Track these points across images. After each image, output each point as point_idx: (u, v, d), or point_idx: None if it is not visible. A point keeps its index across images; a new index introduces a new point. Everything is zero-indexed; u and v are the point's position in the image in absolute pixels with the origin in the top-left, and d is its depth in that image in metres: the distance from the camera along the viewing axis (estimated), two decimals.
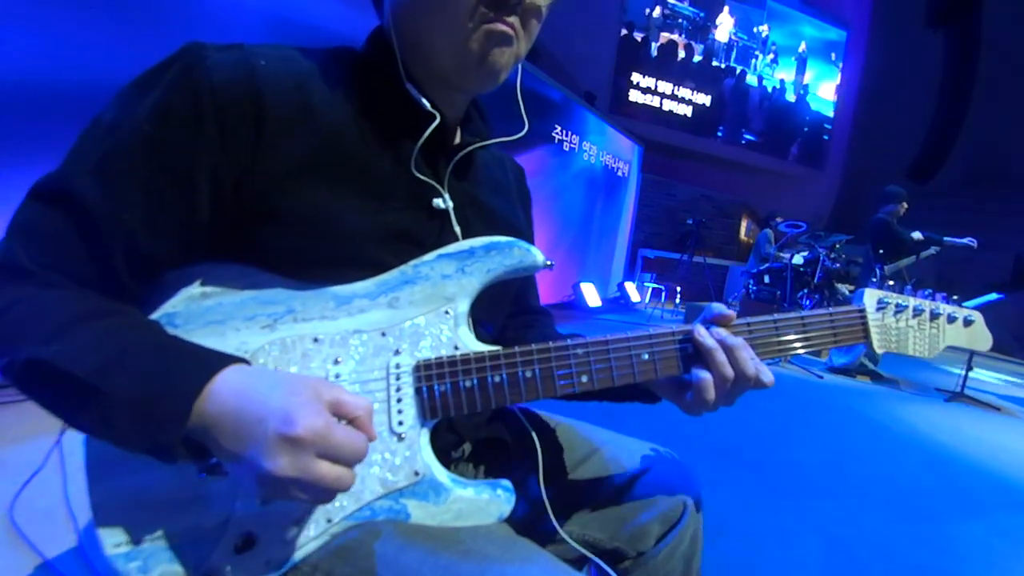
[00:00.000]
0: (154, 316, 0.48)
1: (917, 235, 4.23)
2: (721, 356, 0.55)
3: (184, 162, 0.46)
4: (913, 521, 1.91)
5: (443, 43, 0.52)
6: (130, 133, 0.45)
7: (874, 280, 0.69)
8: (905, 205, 4.37)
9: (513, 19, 0.52)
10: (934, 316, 0.68)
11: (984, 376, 5.62)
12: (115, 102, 0.47)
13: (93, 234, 0.44)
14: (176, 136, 0.45)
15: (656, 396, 0.65)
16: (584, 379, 0.55)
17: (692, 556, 0.69)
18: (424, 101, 0.55)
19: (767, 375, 0.56)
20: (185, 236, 0.48)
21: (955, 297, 0.70)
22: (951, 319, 0.68)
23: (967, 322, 0.69)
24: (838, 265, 5.16)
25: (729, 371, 0.55)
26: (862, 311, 0.65)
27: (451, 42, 0.52)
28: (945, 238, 4.26)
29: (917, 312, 0.67)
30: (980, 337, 0.69)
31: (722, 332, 0.57)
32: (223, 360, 0.43)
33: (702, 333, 0.56)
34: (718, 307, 0.59)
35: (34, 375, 0.41)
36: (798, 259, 5.40)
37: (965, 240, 4.30)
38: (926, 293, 0.69)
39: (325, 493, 0.41)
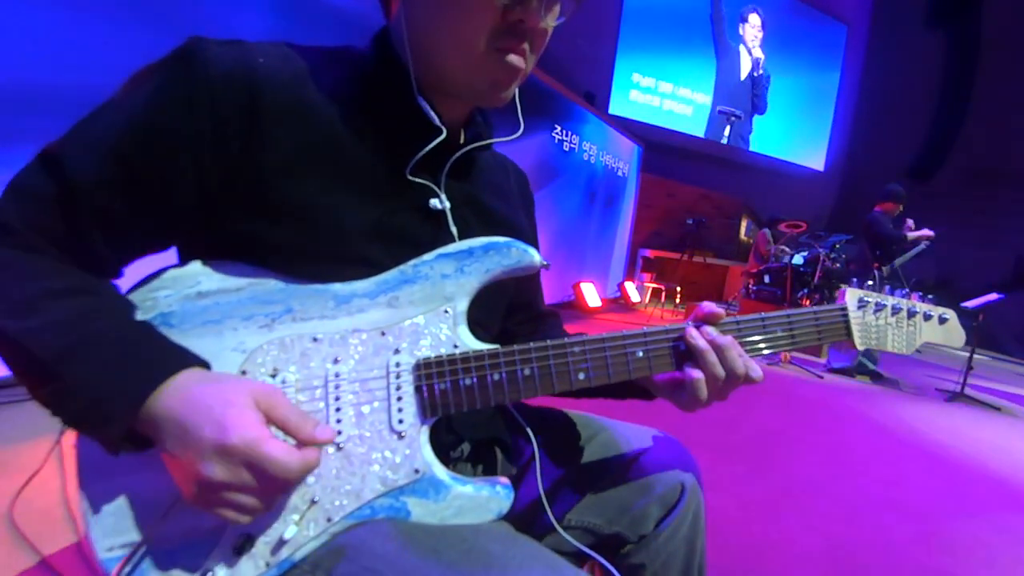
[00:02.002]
0: (149, 317, 0.48)
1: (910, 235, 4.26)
2: (712, 356, 0.57)
3: (173, 150, 0.47)
4: (913, 521, 1.91)
5: (456, 67, 0.53)
6: (125, 113, 0.47)
7: (870, 283, 0.72)
8: (900, 207, 4.39)
9: (524, 45, 0.53)
10: (911, 314, 0.72)
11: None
12: (124, 84, 0.50)
13: (73, 206, 0.46)
14: (168, 124, 0.46)
15: (651, 394, 0.66)
16: (581, 376, 0.55)
17: (695, 537, 0.69)
18: (435, 116, 0.55)
19: (756, 371, 0.58)
20: (167, 220, 0.50)
21: (930, 296, 0.74)
22: (927, 317, 0.73)
23: (942, 320, 0.73)
24: (838, 265, 5.17)
25: (720, 370, 0.57)
26: (844, 310, 0.69)
27: (464, 67, 0.53)
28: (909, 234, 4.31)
29: (896, 311, 0.71)
30: (954, 334, 0.73)
31: (712, 332, 0.58)
32: (178, 363, 0.44)
33: (693, 334, 0.58)
34: (708, 305, 0.61)
35: (1, 344, 0.43)
36: (798, 259, 5.41)
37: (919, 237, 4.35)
38: (904, 292, 0.73)
39: (254, 505, 0.42)
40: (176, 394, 0.42)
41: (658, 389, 0.63)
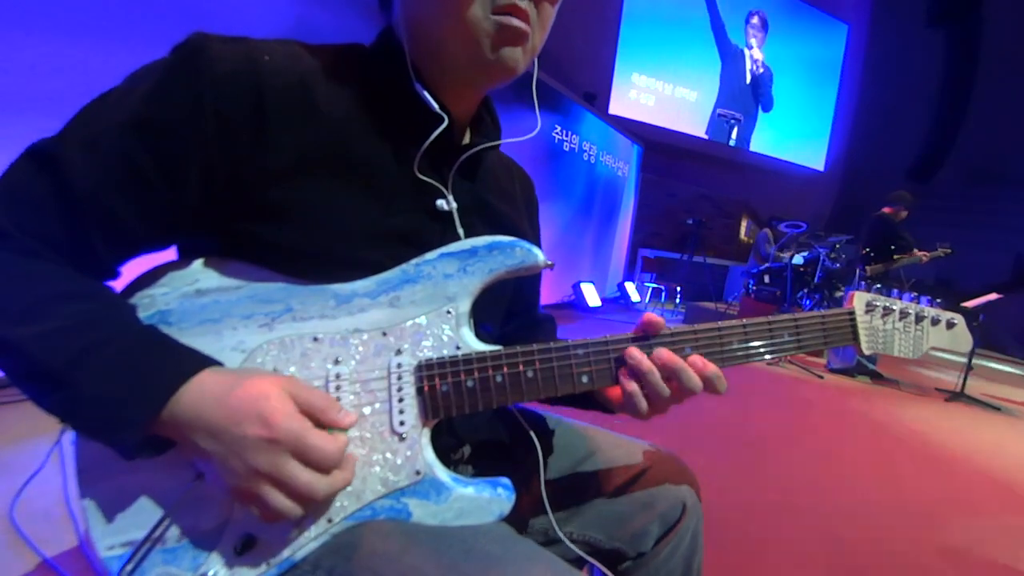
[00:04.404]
0: (147, 314, 0.48)
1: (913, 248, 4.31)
2: (655, 376, 0.54)
3: (175, 147, 0.46)
4: (913, 521, 1.91)
5: (454, 38, 0.51)
6: (126, 112, 0.45)
7: (861, 281, 0.71)
8: (905, 212, 4.42)
9: (526, 5, 0.51)
10: (919, 319, 0.71)
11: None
12: (123, 82, 0.48)
13: (72, 206, 0.44)
14: (170, 121, 0.45)
15: (610, 409, 0.63)
16: (585, 379, 0.55)
17: (692, 556, 0.69)
18: (432, 102, 0.54)
19: (696, 383, 0.55)
20: (169, 219, 0.48)
21: (938, 300, 0.73)
22: (935, 322, 0.71)
23: (949, 325, 0.72)
24: (838, 265, 5.17)
25: (663, 390, 0.55)
26: (851, 314, 0.67)
27: (462, 37, 0.51)
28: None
29: (903, 315, 0.70)
30: (961, 339, 0.72)
31: (665, 356, 0.55)
32: (195, 364, 0.44)
33: (635, 354, 0.54)
34: (650, 316, 0.57)
35: (1, 353, 0.41)
36: (798, 259, 5.41)
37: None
38: (911, 296, 0.72)
39: (298, 496, 0.42)
40: (201, 395, 0.42)
41: (613, 403, 0.61)
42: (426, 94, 0.54)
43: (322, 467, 0.43)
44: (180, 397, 0.42)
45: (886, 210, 4.48)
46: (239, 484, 0.42)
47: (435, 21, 0.52)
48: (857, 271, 4.30)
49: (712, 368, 0.56)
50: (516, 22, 0.51)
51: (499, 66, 0.53)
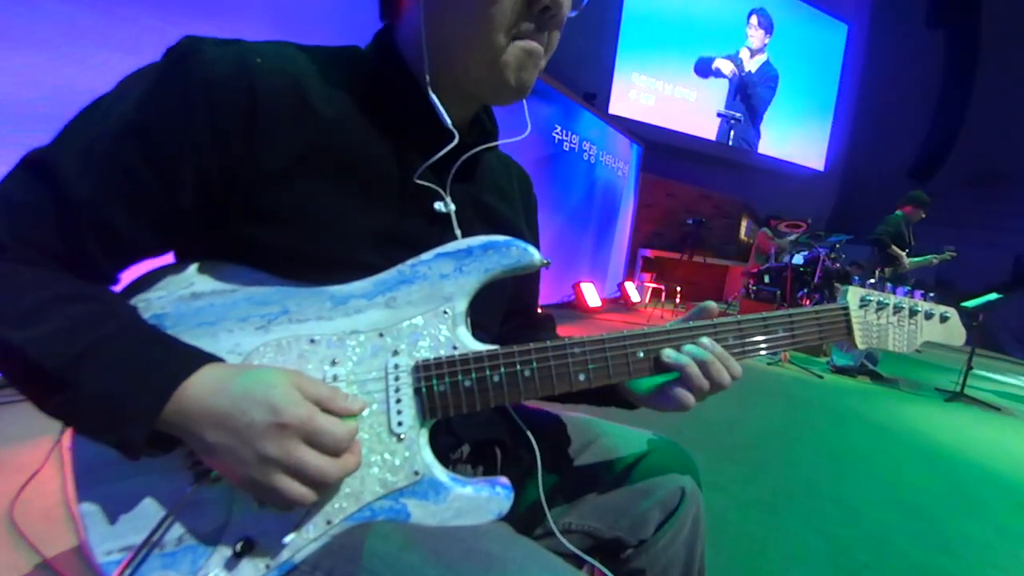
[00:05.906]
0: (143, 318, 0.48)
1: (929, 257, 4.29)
2: (695, 369, 0.57)
3: (169, 151, 0.46)
4: (913, 521, 1.91)
5: (478, 59, 0.52)
6: (120, 118, 0.45)
7: (872, 281, 0.71)
8: (923, 213, 4.39)
9: (543, 33, 0.53)
10: (913, 313, 0.71)
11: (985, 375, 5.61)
12: (115, 88, 0.48)
13: (70, 214, 0.44)
14: (163, 125, 0.45)
15: (633, 404, 0.65)
16: (582, 377, 0.55)
17: (694, 542, 0.69)
18: (446, 118, 0.54)
19: (737, 371, 0.59)
20: (166, 224, 0.48)
21: (931, 295, 0.74)
22: (928, 316, 0.72)
23: (943, 319, 0.73)
24: (838, 265, 5.17)
25: (704, 383, 0.57)
26: (845, 309, 0.68)
27: (486, 58, 0.51)
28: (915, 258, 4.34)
29: (897, 309, 0.70)
30: (955, 333, 0.73)
31: (695, 349, 0.57)
32: (197, 359, 0.44)
33: (669, 356, 0.57)
34: (707, 305, 0.61)
35: (1, 355, 0.41)
36: (798, 259, 5.41)
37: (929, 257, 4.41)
38: (905, 291, 0.72)
39: (310, 481, 0.43)
40: (206, 387, 0.42)
41: (637, 398, 0.63)
42: (442, 109, 0.54)
43: (332, 450, 0.43)
44: (185, 390, 0.42)
45: (905, 209, 4.43)
46: (250, 474, 0.42)
47: (459, 45, 0.52)
48: (876, 272, 4.28)
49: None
50: (536, 47, 0.52)
51: (517, 89, 0.54)
